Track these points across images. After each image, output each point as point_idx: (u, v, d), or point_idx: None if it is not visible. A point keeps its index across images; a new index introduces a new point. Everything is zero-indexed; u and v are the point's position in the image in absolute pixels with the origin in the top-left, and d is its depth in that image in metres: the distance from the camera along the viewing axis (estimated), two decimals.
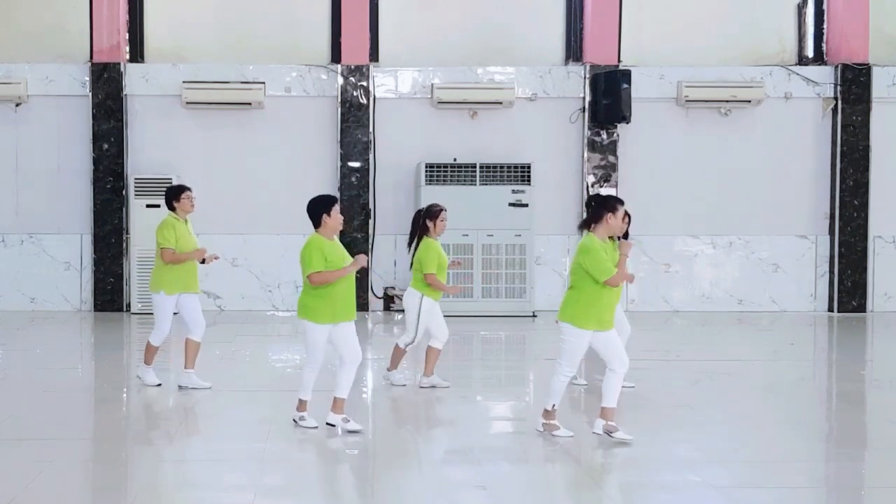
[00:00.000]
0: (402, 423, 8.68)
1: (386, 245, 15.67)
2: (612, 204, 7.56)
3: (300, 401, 8.03)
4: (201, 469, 7.22)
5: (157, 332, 9.54)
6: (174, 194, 9.62)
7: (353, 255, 7.97)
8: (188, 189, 9.67)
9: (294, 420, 8.04)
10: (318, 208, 7.78)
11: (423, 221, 9.54)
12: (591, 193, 7.95)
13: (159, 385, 9.56)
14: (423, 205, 14.62)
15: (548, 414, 7.80)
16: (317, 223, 7.79)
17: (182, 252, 9.38)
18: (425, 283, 9.43)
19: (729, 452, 7.55)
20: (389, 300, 15.71)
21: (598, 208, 7.56)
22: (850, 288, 15.86)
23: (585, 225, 7.63)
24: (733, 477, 6.88)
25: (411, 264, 9.63)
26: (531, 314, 15.02)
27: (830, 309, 15.98)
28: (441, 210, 9.56)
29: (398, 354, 9.73)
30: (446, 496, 6.62)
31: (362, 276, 14.77)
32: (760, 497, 6.44)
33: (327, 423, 7.88)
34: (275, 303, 15.64)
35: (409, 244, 9.62)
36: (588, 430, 7.87)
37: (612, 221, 7.53)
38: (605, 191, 15.33)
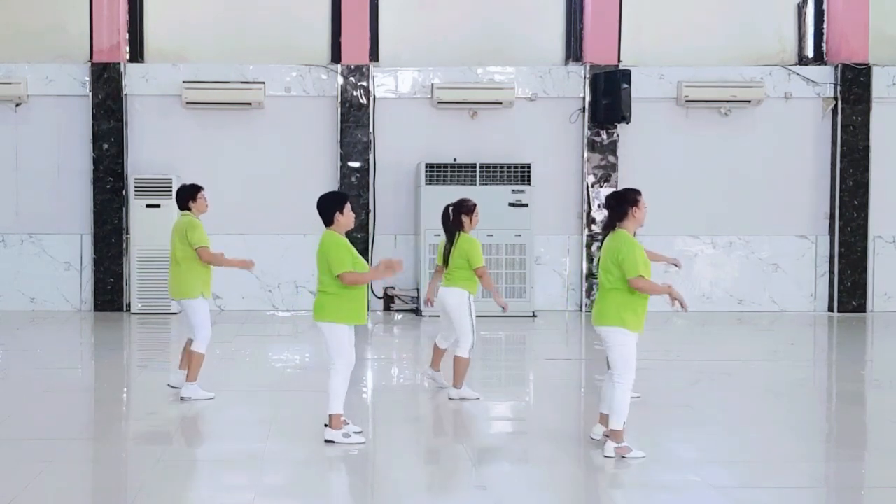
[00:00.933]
0: (401, 423, 8.67)
1: (386, 245, 15.66)
2: (633, 197, 7.39)
3: (336, 416, 7.51)
4: (201, 469, 7.23)
5: (203, 338, 9.04)
6: (191, 194, 9.19)
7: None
8: (202, 188, 9.29)
9: (331, 441, 7.48)
10: (331, 206, 7.53)
11: (458, 217, 9.20)
12: (608, 194, 7.68)
13: (213, 398, 9.06)
14: (423, 205, 14.79)
15: (617, 434, 7.16)
16: (329, 221, 7.54)
17: (219, 254, 9.02)
18: (470, 279, 9.07)
19: (729, 452, 7.55)
20: (389, 300, 15.71)
21: (620, 205, 7.35)
22: (850, 288, 15.87)
23: (612, 226, 7.37)
24: (733, 477, 6.88)
25: (446, 262, 9.19)
26: (531, 314, 15.02)
27: (830, 309, 15.98)
28: (476, 204, 9.28)
29: (461, 366, 9.10)
30: (446, 496, 6.63)
31: None
32: (760, 497, 6.45)
33: (326, 440, 7.52)
34: (275, 303, 15.64)
35: (450, 241, 9.17)
36: (588, 434, 7.84)
37: (639, 214, 7.37)
38: (605, 191, 15.34)
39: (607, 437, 7.31)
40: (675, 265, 9.40)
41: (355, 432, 7.64)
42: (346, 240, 7.56)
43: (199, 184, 9.45)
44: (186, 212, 9.19)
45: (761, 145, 15.96)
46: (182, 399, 8.98)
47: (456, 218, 9.21)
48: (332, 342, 7.55)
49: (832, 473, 7.27)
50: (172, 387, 9.29)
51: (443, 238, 9.34)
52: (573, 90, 15.78)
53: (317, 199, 7.64)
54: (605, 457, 7.14)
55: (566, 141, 15.81)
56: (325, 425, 7.64)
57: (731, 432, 8.19)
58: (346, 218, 7.57)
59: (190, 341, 9.20)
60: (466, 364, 9.12)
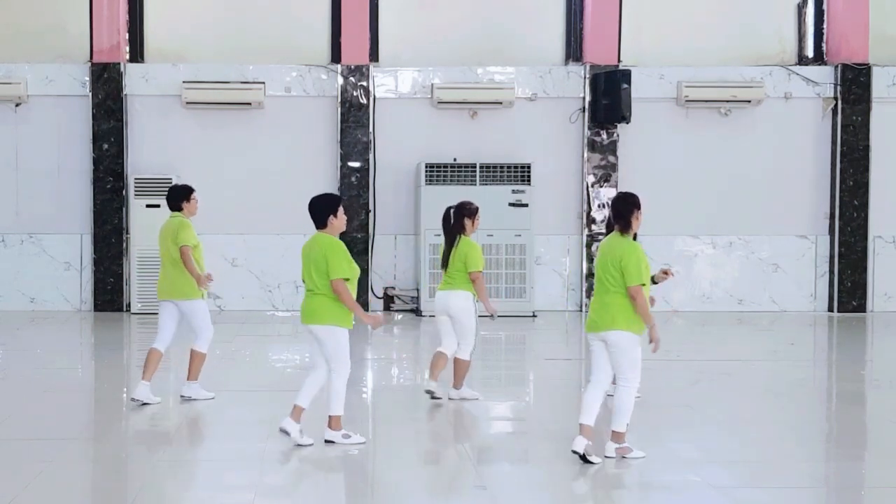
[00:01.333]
0: (401, 423, 8.67)
1: (386, 245, 15.67)
2: (637, 201, 7.38)
3: (336, 417, 7.49)
4: (201, 469, 7.23)
5: (205, 338, 9.00)
6: (185, 195, 9.13)
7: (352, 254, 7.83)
8: (194, 190, 9.24)
9: (331, 441, 7.47)
10: (324, 209, 7.47)
11: (460, 220, 9.09)
12: (615, 197, 7.68)
13: (213, 397, 9.03)
14: (423, 205, 14.79)
15: (618, 436, 7.11)
16: (322, 224, 7.48)
17: (196, 260, 8.91)
18: (470, 282, 8.99)
19: (729, 452, 7.55)
20: (389, 300, 15.70)
21: (627, 206, 7.31)
22: (850, 288, 15.86)
23: (627, 226, 7.28)
24: (733, 477, 6.89)
25: (446, 264, 9.08)
26: (531, 314, 15.02)
27: (830, 309, 15.98)
28: (478, 207, 9.22)
29: (462, 368, 9.07)
30: (446, 496, 6.63)
31: (362, 276, 14.73)
32: (760, 497, 6.45)
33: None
34: (275, 303, 15.64)
35: (451, 244, 9.06)
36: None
37: (641, 217, 7.42)
38: (605, 191, 15.35)
39: (584, 454, 6.96)
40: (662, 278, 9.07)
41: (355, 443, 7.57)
42: (343, 244, 7.52)
43: (191, 185, 9.39)
44: (177, 213, 9.13)
45: (761, 145, 15.95)
46: (182, 399, 8.98)
47: (458, 221, 9.13)
48: (332, 345, 7.49)
49: (832, 473, 7.27)
50: (135, 400, 8.82)
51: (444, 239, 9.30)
52: (573, 90, 15.77)
53: (308, 201, 7.56)
54: (605, 457, 7.11)
55: (566, 141, 15.81)
56: (284, 423, 7.52)
57: (731, 432, 8.19)
58: (340, 221, 7.52)
59: (154, 350, 8.98)
60: (467, 366, 9.11)
